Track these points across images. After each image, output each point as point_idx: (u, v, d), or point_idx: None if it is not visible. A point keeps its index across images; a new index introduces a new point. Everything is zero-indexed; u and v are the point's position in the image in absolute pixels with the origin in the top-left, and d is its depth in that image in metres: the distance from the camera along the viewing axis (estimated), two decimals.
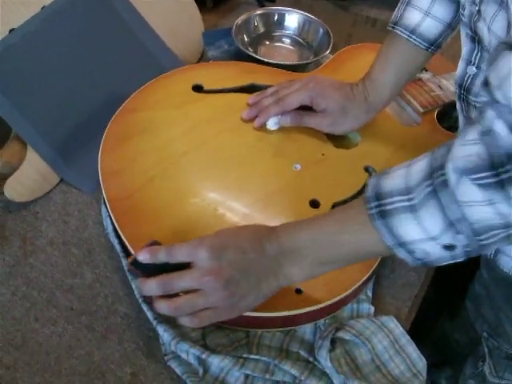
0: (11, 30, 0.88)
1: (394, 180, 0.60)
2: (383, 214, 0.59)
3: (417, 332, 1.27)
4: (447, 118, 1.01)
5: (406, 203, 0.57)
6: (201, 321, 0.65)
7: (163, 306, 0.65)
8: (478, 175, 0.53)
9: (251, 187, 0.83)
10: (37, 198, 0.89)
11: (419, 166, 0.59)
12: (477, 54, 0.73)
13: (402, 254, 0.60)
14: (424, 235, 0.57)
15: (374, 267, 0.77)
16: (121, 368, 0.72)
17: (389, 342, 0.76)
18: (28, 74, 0.89)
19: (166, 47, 1.03)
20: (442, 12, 0.83)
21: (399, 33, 0.85)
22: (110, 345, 0.74)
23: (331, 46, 1.11)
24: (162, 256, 0.65)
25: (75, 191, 0.91)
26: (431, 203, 0.56)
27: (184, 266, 0.65)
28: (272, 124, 0.89)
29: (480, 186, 0.53)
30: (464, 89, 0.77)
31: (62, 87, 0.92)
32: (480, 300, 0.94)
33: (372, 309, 0.80)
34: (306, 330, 0.77)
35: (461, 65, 0.77)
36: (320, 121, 0.89)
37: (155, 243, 0.69)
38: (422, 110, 1.00)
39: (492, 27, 0.66)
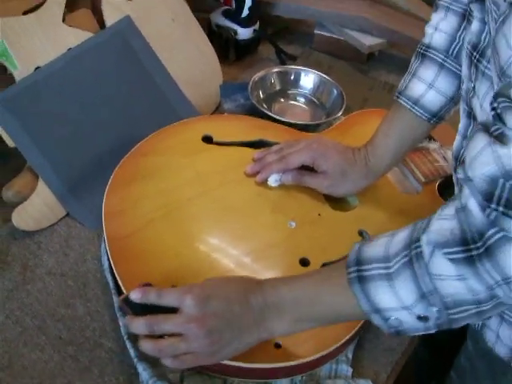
0: (36, 68, 0.94)
1: (376, 248, 0.63)
2: (361, 280, 0.61)
3: None
4: (450, 191, 1.03)
5: (383, 271, 0.60)
6: (181, 364, 0.69)
7: (147, 346, 0.68)
8: (449, 250, 0.56)
9: (246, 239, 0.86)
10: (42, 228, 0.92)
11: (400, 237, 0.62)
12: (472, 129, 0.75)
13: (376, 320, 0.62)
14: (398, 304, 0.59)
15: (355, 329, 0.78)
16: None
17: None
18: (48, 111, 0.94)
19: (183, 96, 1.07)
20: (446, 86, 0.86)
21: (403, 103, 0.88)
22: (91, 377, 0.76)
23: (344, 107, 1.14)
24: (152, 297, 0.69)
25: (79, 226, 0.94)
26: (406, 273, 0.59)
27: (173, 310, 0.68)
28: (273, 180, 0.92)
29: (451, 260, 0.56)
30: (460, 162, 0.79)
31: (78, 126, 0.97)
32: (464, 372, 0.94)
33: (350, 370, 0.80)
34: None
35: (457, 138, 0.79)
36: (320, 182, 0.92)
37: (148, 285, 0.73)
38: (423, 179, 1.01)
39: (484, 105, 0.68)
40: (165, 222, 0.86)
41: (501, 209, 0.52)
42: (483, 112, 0.69)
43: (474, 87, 0.72)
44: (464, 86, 0.76)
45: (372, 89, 1.26)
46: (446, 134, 1.07)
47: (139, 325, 0.68)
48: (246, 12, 1.28)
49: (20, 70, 0.93)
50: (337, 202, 0.95)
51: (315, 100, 1.22)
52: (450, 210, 0.58)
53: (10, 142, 0.91)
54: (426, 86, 0.87)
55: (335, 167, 0.90)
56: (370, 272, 0.61)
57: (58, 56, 0.95)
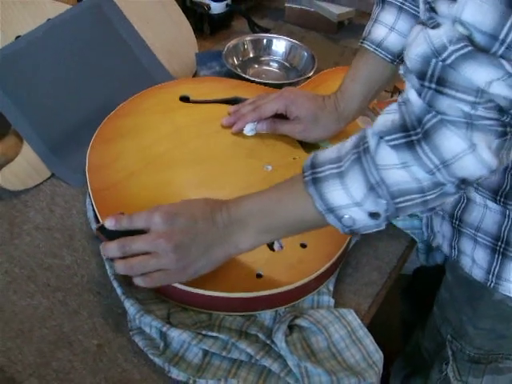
0: (17, 37, 0.98)
1: (329, 152, 0.66)
2: (315, 181, 0.64)
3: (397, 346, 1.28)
4: None
5: (335, 170, 0.63)
6: (152, 281, 0.71)
7: (119, 266, 0.71)
8: (391, 136, 0.59)
9: (222, 183, 0.89)
10: (28, 188, 0.95)
11: (351, 139, 0.65)
12: None
13: (331, 220, 0.65)
14: (350, 200, 0.62)
15: (334, 258, 0.81)
16: (88, 339, 0.76)
17: (346, 332, 0.79)
18: (30, 77, 0.97)
19: (159, 64, 1.11)
20: (406, 27, 0.89)
21: (367, 46, 0.92)
22: (80, 318, 0.78)
23: (315, 68, 1.18)
24: (124, 223, 0.72)
25: (64, 185, 0.97)
26: (355, 169, 0.62)
27: (144, 233, 0.71)
28: (248, 130, 0.96)
29: (392, 147, 0.59)
30: None
31: (60, 91, 1.00)
32: (445, 304, 0.97)
33: (332, 301, 0.83)
34: (266, 316, 0.80)
35: None
36: (293, 127, 0.95)
37: (122, 214, 0.75)
38: None
39: None
40: (144, 173, 0.89)
41: (433, 86, 0.55)
42: None
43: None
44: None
45: (343, 54, 1.31)
46: None
47: (112, 248, 0.71)
48: None
49: (1, 39, 0.96)
50: (311, 148, 0.97)
51: (287, 64, 1.26)
52: (393, 105, 0.61)
53: None
54: (388, 29, 0.91)
55: (307, 112, 0.94)
56: (323, 173, 0.64)
57: (38, 26, 0.99)
